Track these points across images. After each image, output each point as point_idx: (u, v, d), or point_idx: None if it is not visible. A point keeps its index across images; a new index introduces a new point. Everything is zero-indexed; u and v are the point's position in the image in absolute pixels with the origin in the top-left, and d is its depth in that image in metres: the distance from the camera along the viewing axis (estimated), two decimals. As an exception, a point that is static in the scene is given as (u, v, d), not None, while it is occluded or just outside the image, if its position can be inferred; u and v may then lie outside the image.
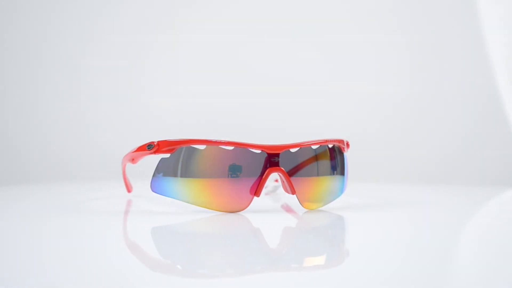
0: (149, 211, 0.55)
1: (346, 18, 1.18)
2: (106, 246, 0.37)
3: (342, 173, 0.53)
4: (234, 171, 0.48)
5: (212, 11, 1.17)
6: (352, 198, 0.62)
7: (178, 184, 0.48)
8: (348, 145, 0.53)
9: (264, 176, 0.47)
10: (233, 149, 0.48)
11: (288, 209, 0.53)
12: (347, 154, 0.54)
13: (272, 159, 0.48)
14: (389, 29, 1.17)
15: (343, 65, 1.18)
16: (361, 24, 1.17)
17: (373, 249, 0.36)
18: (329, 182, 0.51)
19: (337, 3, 1.17)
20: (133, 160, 0.54)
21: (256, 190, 0.48)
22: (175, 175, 0.48)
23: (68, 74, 1.15)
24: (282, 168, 0.48)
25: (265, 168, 0.48)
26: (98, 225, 0.46)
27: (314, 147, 0.50)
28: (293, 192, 0.49)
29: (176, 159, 0.48)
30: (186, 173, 0.48)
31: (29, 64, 1.15)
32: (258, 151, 0.48)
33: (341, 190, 0.53)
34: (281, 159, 0.48)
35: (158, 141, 0.48)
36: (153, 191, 0.49)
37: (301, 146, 0.49)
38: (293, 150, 0.49)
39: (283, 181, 0.49)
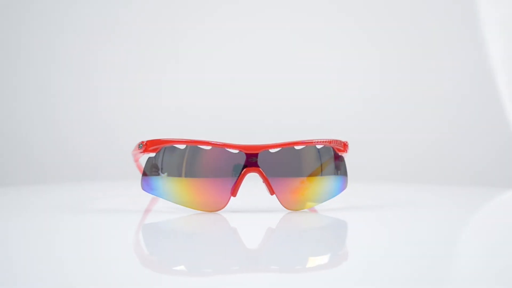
0: (140, 209, 0.55)
1: (345, 17, 1.18)
2: (87, 242, 0.38)
3: (335, 174, 0.51)
4: (212, 171, 0.49)
5: (210, 11, 1.17)
6: (348, 198, 0.62)
7: (161, 183, 0.49)
8: (345, 146, 0.52)
9: (240, 176, 0.48)
10: (211, 149, 0.48)
11: (312, 209, 0.53)
12: (347, 155, 0.53)
13: (249, 159, 0.48)
14: (390, 30, 1.17)
15: (344, 64, 1.18)
16: (362, 24, 1.17)
17: (359, 252, 0.36)
18: (314, 183, 0.50)
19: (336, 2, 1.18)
20: (134, 157, 0.55)
21: (233, 190, 0.48)
22: (158, 174, 0.49)
23: (80, 73, 1.15)
24: (259, 168, 0.48)
25: (242, 168, 0.48)
26: (90, 223, 0.47)
27: (298, 147, 0.50)
28: (272, 193, 0.49)
29: (159, 158, 0.49)
30: (168, 172, 0.49)
31: (38, 65, 1.15)
32: (236, 151, 0.48)
33: (334, 192, 0.52)
34: (260, 159, 0.48)
35: (146, 141, 0.49)
36: (142, 189, 0.50)
37: (282, 146, 0.49)
38: (273, 150, 0.48)
39: (263, 182, 0.49)
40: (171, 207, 0.52)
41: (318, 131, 1.13)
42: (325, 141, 0.50)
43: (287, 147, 0.49)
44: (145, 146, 0.49)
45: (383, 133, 1.15)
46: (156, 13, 1.17)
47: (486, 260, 0.33)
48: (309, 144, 0.50)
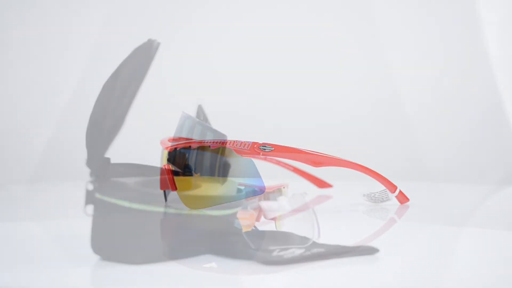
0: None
1: (346, 15, 1.18)
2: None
3: (228, 176, 0.48)
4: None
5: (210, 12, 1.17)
6: (347, 197, 0.61)
7: None
8: (254, 148, 0.47)
9: (161, 171, 0.49)
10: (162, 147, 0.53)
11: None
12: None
13: (168, 156, 0.50)
14: (391, 29, 1.17)
15: (345, 63, 1.18)
16: (362, 23, 1.17)
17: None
18: (207, 184, 0.48)
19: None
20: None
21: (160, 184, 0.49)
22: None
23: (87, 71, 1.15)
24: (165, 164, 0.48)
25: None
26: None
27: (195, 147, 0.49)
28: (173, 189, 0.48)
29: None
30: None
31: (41, 64, 1.15)
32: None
33: (232, 195, 0.48)
34: (170, 157, 0.49)
35: None
36: None
37: (182, 146, 0.49)
38: (180, 149, 0.49)
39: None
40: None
41: (319, 131, 1.14)
42: (217, 142, 0.48)
43: (186, 147, 0.49)
44: None
45: (384, 131, 1.15)
46: (158, 11, 1.17)
47: (487, 260, 0.33)
48: (199, 144, 0.48)
